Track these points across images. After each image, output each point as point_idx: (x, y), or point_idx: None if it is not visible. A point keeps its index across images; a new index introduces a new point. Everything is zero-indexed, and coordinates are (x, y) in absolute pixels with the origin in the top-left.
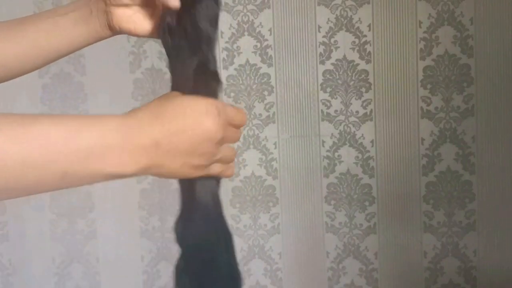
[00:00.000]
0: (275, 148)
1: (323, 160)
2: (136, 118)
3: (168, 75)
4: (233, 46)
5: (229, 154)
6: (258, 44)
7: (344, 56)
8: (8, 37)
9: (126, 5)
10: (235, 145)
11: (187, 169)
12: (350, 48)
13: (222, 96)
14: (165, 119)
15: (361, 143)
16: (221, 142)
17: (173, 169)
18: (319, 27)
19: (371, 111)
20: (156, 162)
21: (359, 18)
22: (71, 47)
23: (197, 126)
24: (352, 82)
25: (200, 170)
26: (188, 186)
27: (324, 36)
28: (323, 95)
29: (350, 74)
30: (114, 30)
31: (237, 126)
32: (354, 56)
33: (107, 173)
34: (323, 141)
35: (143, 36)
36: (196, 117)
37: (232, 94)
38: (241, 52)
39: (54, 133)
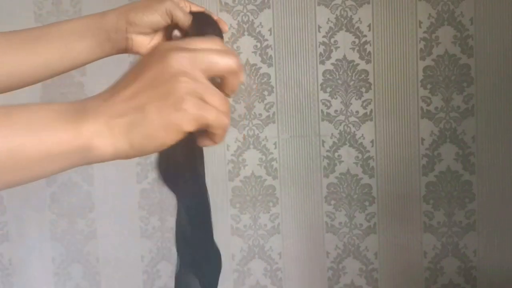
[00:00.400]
0: (275, 148)
1: (323, 160)
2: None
3: None
4: (233, 46)
5: (216, 95)
6: (258, 44)
7: (344, 56)
8: (19, 53)
9: (147, 33)
10: (236, 145)
11: (165, 111)
12: (350, 48)
13: None
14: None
15: (361, 143)
16: (190, 71)
17: (148, 119)
18: (319, 27)
19: (371, 111)
20: (118, 119)
21: (359, 18)
22: (78, 66)
23: (141, 65)
24: (352, 82)
25: (184, 111)
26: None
27: (324, 36)
28: (323, 95)
29: (350, 74)
30: (130, 52)
31: (212, 47)
32: (354, 56)
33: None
34: (323, 141)
35: None
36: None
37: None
38: (241, 52)
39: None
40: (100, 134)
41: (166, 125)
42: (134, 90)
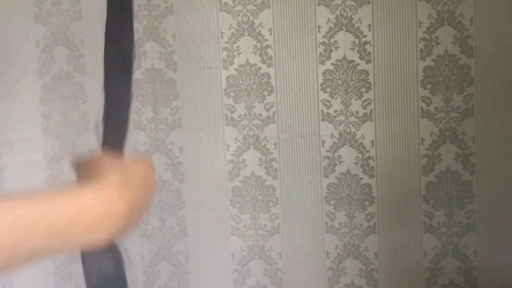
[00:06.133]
0: (275, 148)
1: (323, 160)
2: (108, 189)
3: (168, 75)
4: (233, 46)
5: None
6: (258, 44)
7: (344, 56)
8: None
9: None
10: (236, 145)
11: (139, 218)
12: (350, 48)
13: (222, 96)
14: (132, 185)
15: (361, 143)
16: None
17: (137, 223)
18: (319, 27)
19: (371, 111)
20: (130, 224)
21: (359, 18)
22: None
23: (152, 186)
24: (352, 82)
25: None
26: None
27: (324, 36)
28: (323, 95)
29: (350, 74)
30: None
31: None
32: (354, 56)
33: (84, 243)
34: (323, 141)
35: None
36: (151, 179)
37: (232, 94)
38: (241, 52)
39: (26, 213)
40: (111, 237)
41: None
42: (140, 205)
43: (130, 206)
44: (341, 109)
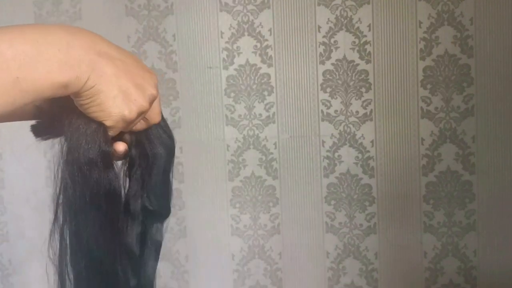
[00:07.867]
0: (275, 148)
1: (323, 160)
2: (86, 33)
3: (168, 75)
4: (233, 46)
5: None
6: (258, 44)
7: (344, 56)
8: None
9: None
10: (236, 145)
11: (124, 96)
12: (350, 48)
13: (222, 96)
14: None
15: (361, 143)
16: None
17: (112, 88)
18: (319, 27)
19: (371, 111)
20: (98, 69)
21: (359, 18)
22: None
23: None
24: (352, 82)
25: (134, 106)
26: None
27: (324, 36)
28: (323, 95)
29: (350, 74)
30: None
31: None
32: (354, 56)
33: (54, 81)
34: (323, 141)
35: None
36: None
37: (232, 94)
38: (241, 52)
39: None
40: (74, 77)
41: (118, 105)
42: (122, 59)
43: (106, 51)
44: (341, 109)
